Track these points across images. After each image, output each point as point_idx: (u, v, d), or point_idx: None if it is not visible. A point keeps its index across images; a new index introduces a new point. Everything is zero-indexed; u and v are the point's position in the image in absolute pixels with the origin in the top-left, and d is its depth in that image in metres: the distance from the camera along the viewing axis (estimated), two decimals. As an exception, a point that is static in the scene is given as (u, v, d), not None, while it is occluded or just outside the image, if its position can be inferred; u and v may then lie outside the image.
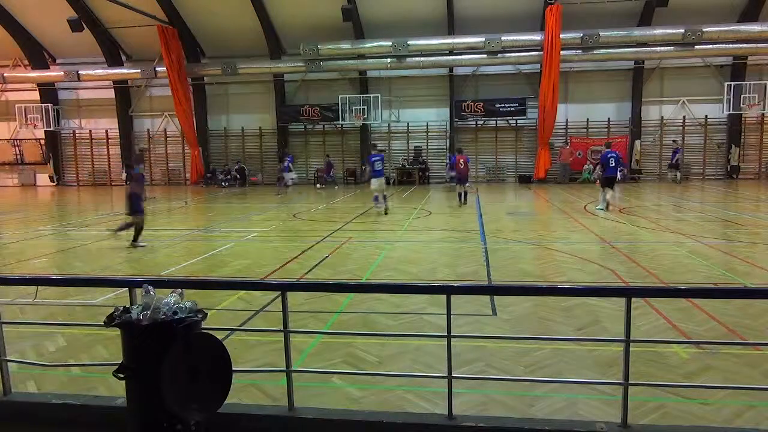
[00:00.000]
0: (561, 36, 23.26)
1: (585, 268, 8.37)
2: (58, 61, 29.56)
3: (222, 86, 28.55)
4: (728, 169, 25.38)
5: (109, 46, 28.00)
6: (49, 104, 29.03)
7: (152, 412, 2.68)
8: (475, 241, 10.86)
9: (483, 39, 23.94)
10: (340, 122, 26.95)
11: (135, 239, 10.84)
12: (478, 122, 27.11)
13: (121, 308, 2.77)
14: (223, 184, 27.52)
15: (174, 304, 2.72)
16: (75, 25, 24.25)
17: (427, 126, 27.47)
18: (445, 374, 3.25)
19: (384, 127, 27.74)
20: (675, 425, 3.70)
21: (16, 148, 30.97)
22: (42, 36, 28.59)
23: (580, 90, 26.17)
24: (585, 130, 26.34)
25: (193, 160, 28.12)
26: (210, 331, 2.87)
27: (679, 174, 24.36)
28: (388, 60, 25.30)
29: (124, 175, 28.20)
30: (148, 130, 29.74)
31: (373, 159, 15.53)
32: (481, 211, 15.66)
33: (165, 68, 26.37)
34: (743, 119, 25.05)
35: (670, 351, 4.99)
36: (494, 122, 26.98)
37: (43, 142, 30.38)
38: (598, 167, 16.46)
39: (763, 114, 24.85)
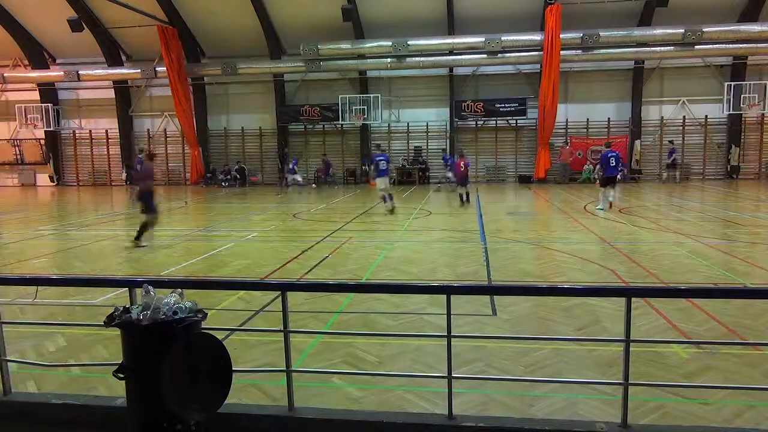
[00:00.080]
0: (561, 36, 23.26)
1: (585, 268, 8.37)
2: (58, 61, 29.56)
3: (222, 86, 28.55)
4: (728, 169, 25.38)
5: (109, 46, 28.00)
6: (49, 104, 29.02)
7: (152, 412, 2.68)
8: (475, 241, 10.86)
9: (483, 39, 23.94)
10: (340, 122, 26.95)
11: (138, 237, 10.75)
12: (478, 122, 27.11)
13: (121, 308, 2.77)
14: (223, 184, 27.51)
15: (174, 304, 2.72)
16: (75, 25, 24.24)
17: (427, 126, 27.47)
18: (445, 374, 3.24)
19: (384, 127, 27.74)
20: (675, 425, 3.70)
21: (16, 148, 30.96)
22: (42, 36, 28.59)
23: (580, 90, 26.17)
24: (585, 130, 26.34)
25: (193, 160, 28.12)
26: (210, 331, 2.87)
27: (678, 174, 24.37)
28: (388, 60, 25.30)
29: (124, 175, 28.29)
30: (148, 130, 29.73)
31: (377, 159, 15.53)
32: (481, 211, 15.66)
33: (165, 68, 26.37)
34: (743, 119, 25.05)
35: (670, 351, 4.99)
36: (494, 122, 26.98)
37: (43, 142, 30.38)
38: (598, 167, 16.46)
39: (763, 114, 24.85)
